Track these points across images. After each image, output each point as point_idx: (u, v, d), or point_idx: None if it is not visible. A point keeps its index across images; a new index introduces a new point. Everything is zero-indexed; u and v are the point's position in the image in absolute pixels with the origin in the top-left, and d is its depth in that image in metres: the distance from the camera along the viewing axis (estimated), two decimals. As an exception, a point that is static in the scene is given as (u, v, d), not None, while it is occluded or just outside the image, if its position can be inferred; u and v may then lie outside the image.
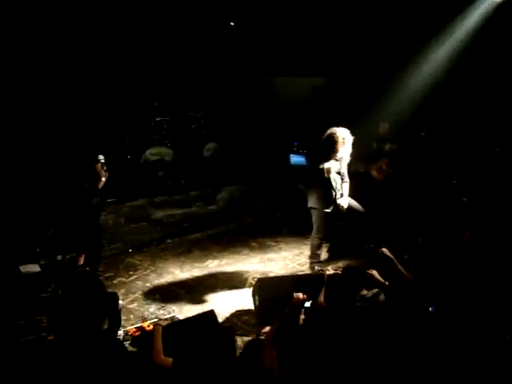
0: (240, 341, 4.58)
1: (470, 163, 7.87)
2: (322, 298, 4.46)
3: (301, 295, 3.99)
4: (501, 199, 7.04)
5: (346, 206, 6.66)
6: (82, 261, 6.81)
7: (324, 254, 7.61)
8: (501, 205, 6.91)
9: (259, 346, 3.39)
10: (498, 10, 7.33)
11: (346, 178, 6.70)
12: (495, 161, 7.62)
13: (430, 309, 3.72)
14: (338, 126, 6.49)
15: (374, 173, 8.58)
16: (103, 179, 6.59)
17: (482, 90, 8.04)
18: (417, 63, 8.99)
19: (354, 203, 6.78)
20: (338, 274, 4.77)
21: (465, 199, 7.54)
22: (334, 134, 6.32)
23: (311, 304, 3.90)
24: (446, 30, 8.30)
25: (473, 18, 7.81)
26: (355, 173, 8.08)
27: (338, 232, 7.93)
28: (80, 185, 6.47)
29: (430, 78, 8.79)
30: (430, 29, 8.46)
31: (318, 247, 6.81)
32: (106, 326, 3.52)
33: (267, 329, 4.67)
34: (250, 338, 4.71)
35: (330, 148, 6.34)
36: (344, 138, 6.32)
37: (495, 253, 5.39)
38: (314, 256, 6.83)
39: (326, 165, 6.33)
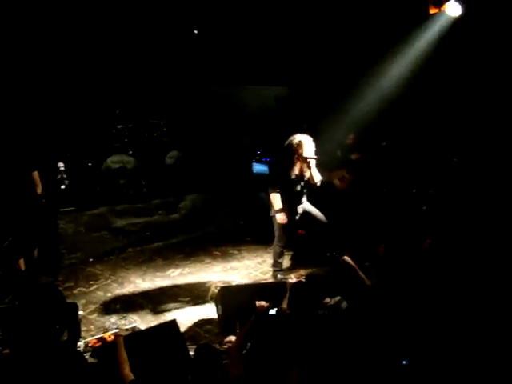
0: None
1: (429, 172, 8.03)
2: (285, 306, 4.46)
3: (264, 303, 3.99)
4: (459, 207, 7.21)
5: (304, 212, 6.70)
6: (22, 266, 6.65)
7: (287, 262, 7.64)
8: (459, 212, 7.07)
9: (211, 351, 3.35)
10: (453, 26, 7.54)
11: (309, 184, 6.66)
12: (453, 170, 7.79)
13: (404, 362, 3.70)
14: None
15: (337, 182, 8.67)
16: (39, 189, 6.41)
17: (440, 101, 8.23)
18: (377, 74, 9.14)
19: (316, 211, 6.82)
20: (300, 281, 4.79)
21: (424, 207, 7.69)
22: (292, 140, 6.37)
23: (276, 311, 3.91)
24: (404, 43, 8.47)
25: (430, 33, 8.00)
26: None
27: (300, 240, 7.98)
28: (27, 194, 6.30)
29: (390, 89, 8.95)
30: (389, 41, 8.63)
31: (280, 255, 6.83)
32: (65, 338, 3.45)
33: (230, 338, 4.66)
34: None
35: (290, 154, 6.37)
36: (302, 141, 6.33)
37: (455, 259, 5.51)
38: (276, 264, 6.84)
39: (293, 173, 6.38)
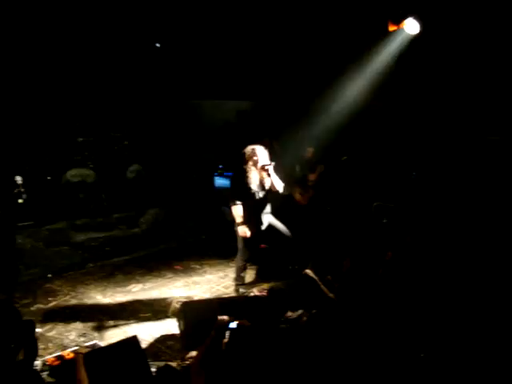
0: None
1: (389, 186, 8.17)
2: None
3: (226, 317, 3.98)
4: (419, 219, 7.36)
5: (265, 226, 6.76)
6: None
7: (249, 277, 7.64)
8: (419, 224, 7.22)
9: (171, 372, 3.33)
10: (411, 43, 7.74)
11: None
12: (412, 184, 7.96)
13: None
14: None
15: (297, 196, 8.74)
16: None
17: (400, 116, 8.41)
18: (338, 90, 9.29)
19: (280, 225, 6.86)
20: (262, 295, 4.80)
21: (385, 220, 7.82)
22: (245, 150, 6.48)
23: (237, 325, 3.89)
24: (365, 59, 8.64)
25: (389, 49, 8.20)
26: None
27: (262, 254, 8.01)
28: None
29: (350, 104, 9.10)
30: (349, 57, 8.79)
31: (242, 270, 6.84)
32: (21, 357, 3.36)
33: (192, 354, 4.62)
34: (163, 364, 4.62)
35: (244, 164, 6.45)
36: (255, 149, 6.41)
37: (416, 270, 5.62)
38: (238, 278, 6.84)
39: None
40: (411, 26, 7.22)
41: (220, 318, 3.93)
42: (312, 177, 8.73)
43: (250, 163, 6.41)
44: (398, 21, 7.16)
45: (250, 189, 6.48)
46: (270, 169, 6.37)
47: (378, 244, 7.36)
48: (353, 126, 9.07)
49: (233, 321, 3.87)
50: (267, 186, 6.56)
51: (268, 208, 6.78)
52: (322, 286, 5.05)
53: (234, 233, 6.66)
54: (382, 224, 7.89)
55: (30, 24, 8.46)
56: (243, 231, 6.42)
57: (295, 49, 9.40)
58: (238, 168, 6.57)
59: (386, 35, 7.91)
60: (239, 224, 6.43)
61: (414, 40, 7.60)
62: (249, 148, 6.47)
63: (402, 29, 7.31)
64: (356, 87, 8.99)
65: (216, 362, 3.56)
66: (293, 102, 10.26)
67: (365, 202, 8.21)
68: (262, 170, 6.41)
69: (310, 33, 8.95)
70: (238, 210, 6.44)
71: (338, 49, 8.76)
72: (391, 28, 7.27)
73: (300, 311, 4.60)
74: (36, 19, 8.42)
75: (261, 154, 6.41)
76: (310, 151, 9.21)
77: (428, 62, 7.83)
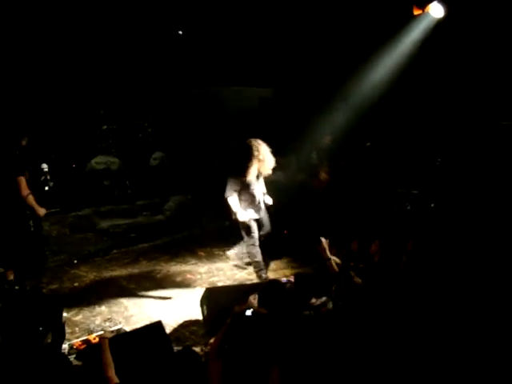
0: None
1: (414, 172, 8.09)
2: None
3: (242, 306, 3.98)
4: (443, 207, 7.28)
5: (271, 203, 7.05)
6: (11, 276, 6.57)
7: (275, 262, 7.69)
8: (444, 212, 7.15)
9: (191, 354, 3.36)
10: (436, 27, 7.61)
11: (264, 189, 7.10)
12: (437, 170, 7.87)
13: None
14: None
15: (315, 182, 8.82)
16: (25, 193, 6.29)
17: (424, 101, 8.30)
18: (362, 75, 9.19)
19: (265, 218, 7.12)
20: (288, 281, 4.78)
21: (409, 207, 7.75)
22: (250, 143, 6.67)
23: (252, 312, 3.91)
24: (389, 44, 8.53)
25: (414, 34, 8.07)
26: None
27: (286, 240, 8.06)
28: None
29: (374, 90, 9.01)
30: (373, 42, 8.68)
31: (257, 254, 6.91)
32: (49, 340, 3.42)
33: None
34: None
35: (248, 157, 6.62)
36: (259, 144, 6.66)
37: (439, 259, 5.57)
38: (256, 264, 6.90)
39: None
40: (436, 10, 7.10)
41: (236, 306, 3.94)
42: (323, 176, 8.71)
43: (254, 157, 6.60)
44: (423, 4, 7.05)
45: (246, 181, 6.70)
46: (270, 164, 6.76)
47: (402, 231, 7.31)
48: (377, 111, 8.97)
49: (249, 308, 3.89)
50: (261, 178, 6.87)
51: (262, 199, 6.98)
52: (348, 273, 5.01)
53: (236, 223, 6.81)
54: (406, 211, 7.83)
55: (58, 17, 8.52)
56: (243, 215, 6.69)
57: (318, 34, 9.31)
58: (241, 159, 6.72)
59: (410, 19, 7.80)
60: (237, 212, 6.68)
61: (440, 24, 7.48)
62: (254, 142, 6.66)
63: (427, 13, 7.20)
64: (380, 72, 8.88)
65: (232, 349, 3.59)
66: (316, 88, 10.17)
67: (389, 189, 8.14)
68: (263, 164, 6.71)
69: (333, 18, 8.86)
70: (234, 201, 6.70)
71: (362, 34, 8.65)
72: (416, 12, 7.17)
73: (324, 298, 4.58)
74: (62, 10, 8.48)
75: (264, 149, 6.69)
76: (327, 138, 9.18)
77: (453, 46, 7.70)
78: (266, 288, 4.32)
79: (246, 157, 6.63)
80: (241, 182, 6.70)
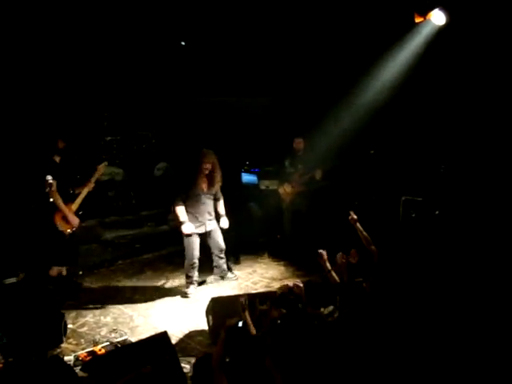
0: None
1: (418, 180, 8.08)
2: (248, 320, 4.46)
3: (234, 319, 3.97)
4: (448, 214, 7.27)
5: (226, 227, 7.04)
6: (55, 272, 6.68)
7: (276, 272, 7.68)
8: (448, 219, 7.13)
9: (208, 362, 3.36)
10: (438, 34, 7.61)
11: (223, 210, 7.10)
12: (442, 177, 7.85)
13: None
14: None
15: (282, 190, 8.83)
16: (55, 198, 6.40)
17: (427, 108, 8.30)
18: (363, 84, 9.20)
19: (217, 235, 7.08)
20: (295, 290, 4.75)
21: (413, 214, 7.74)
22: (199, 155, 6.72)
23: (243, 323, 3.91)
24: (390, 52, 8.54)
25: (416, 42, 8.08)
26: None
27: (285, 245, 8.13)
28: (27, 206, 6.29)
29: (377, 97, 9.01)
30: (374, 51, 8.69)
31: (191, 270, 6.92)
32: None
33: None
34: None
35: (196, 168, 6.68)
36: (208, 155, 6.71)
37: (443, 266, 5.56)
38: (188, 277, 6.94)
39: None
40: (438, 17, 7.11)
41: (227, 319, 3.94)
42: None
43: (202, 169, 6.62)
44: (424, 11, 7.05)
45: (195, 193, 6.69)
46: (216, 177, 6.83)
47: (407, 238, 7.30)
48: (380, 118, 8.96)
49: (238, 320, 3.89)
50: (213, 192, 6.88)
51: (212, 215, 6.95)
52: (354, 282, 5.00)
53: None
54: (411, 218, 7.81)
55: (64, 30, 8.57)
56: (187, 228, 6.60)
57: (319, 43, 9.32)
58: (190, 169, 6.76)
59: (411, 27, 7.80)
60: (182, 223, 6.61)
61: (441, 31, 7.48)
62: (206, 153, 6.72)
63: (429, 20, 7.21)
64: (382, 80, 8.89)
65: (233, 361, 3.58)
66: (318, 97, 10.18)
67: (393, 196, 8.13)
68: (208, 177, 6.73)
69: (334, 26, 8.88)
70: (181, 211, 6.64)
71: (363, 43, 8.66)
72: (417, 19, 7.17)
73: (331, 307, 4.56)
74: (65, 18, 8.52)
75: (214, 164, 6.78)
76: (298, 141, 8.77)
77: (456, 53, 7.70)
78: (279, 298, 4.32)
79: (195, 168, 6.65)
80: (189, 192, 6.68)
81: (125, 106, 10.50)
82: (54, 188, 6.27)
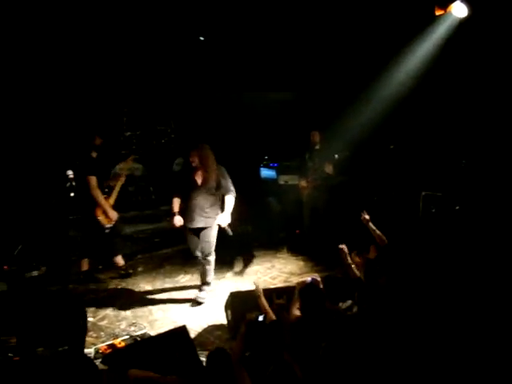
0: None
1: (438, 175, 8.01)
2: (294, 310, 4.45)
3: (254, 313, 3.98)
4: (469, 210, 7.20)
5: (223, 225, 6.46)
6: (85, 266, 6.92)
7: (295, 267, 7.67)
8: (469, 214, 7.06)
9: (222, 355, 3.36)
10: (459, 27, 7.50)
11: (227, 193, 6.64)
12: (462, 172, 7.77)
13: None
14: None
15: (302, 184, 8.74)
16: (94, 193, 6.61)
17: (448, 102, 8.21)
18: (384, 77, 9.13)
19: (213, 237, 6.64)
20: (315, 283, 4.74)
21: (433, 210, 7.67)
22: (195, 149, 6.40)
23: (263, 317, 3.91)
24: (411, 45, 8.45)
25: (436, 35, 7.98)
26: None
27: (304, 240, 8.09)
28: (48, 201, 6.38)
29: (397, 92, 8.93)
30: (395, 44, 8.61)
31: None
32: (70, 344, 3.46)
33: None
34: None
35: (188, 163, 6.41)
36: (203, 153, 6.36)
37: (464, 261, 5.51)
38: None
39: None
40: (459, 9, 7.00)
41: (248, 314, 3.94)
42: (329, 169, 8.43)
43: (190, 160, 6.34)
44: (445, 4, 6.96)
45: (188, 187, 6.41)
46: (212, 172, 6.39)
47: (427, 234, 7.24)
48: (400, 113, 8.88)
49: (259, 314, 3.90)
50: (211, 187, 6.42)
51: (208, 211, 6.45)
52: (372, 277, 4.99)
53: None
54: (431, 214, 7.74)
55: (83, 29, 8.64)
56: (177, 219, 6.35)
57: (340, 37, 9.26)
58: (186, 162, 6.56)
59: (432, 20, 7.71)
60: (174, 214, 6.36)
61: (462, 24, 7.37)
62: (201, 147, 6.41)
63: (450, 13, 7.11)
64: (403, 74, 8.80)
65: (253, 355, 3.59)
66: (337, 91, 10.13)
67: (413, 191, 8.07)
68: (206, 172, 6.33)
69: (354, 21, 8.81)
70: (174, 202, 6.40)
71: (384, 36, 8.58)
72: (438, 12, 7.07)
73: (349, 302, 4.56)
74: (89, 23, 8.59)
75: (210, 159, 6.40)
76: (314, 134, 8.65)
77: (477, 46, 7.60)
78: (304, 291, 4.31)
79: (188, 162, 6.41)
80: (180, 185, 6.45)
81: (144, 101, 10.54)
82: (94, 184, 6.48)
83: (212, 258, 6.50)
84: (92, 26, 8.72)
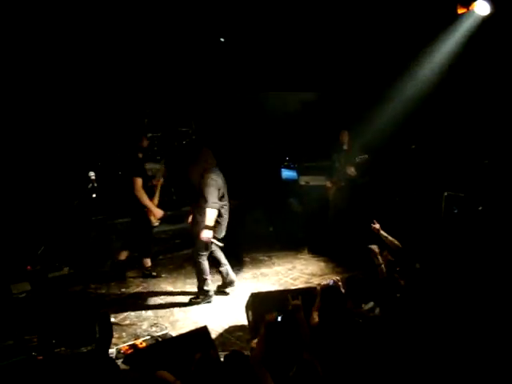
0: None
1: (461, 175, 7.91)
2: (315, 315, 4.43)
3: (274, 313, 3.95)
4: (492, 210, 7.09)
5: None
6: (123, 256, 7.11)
7: (316, 268, 7.64)
8: (492, 215, 6.96)
9: (239, 357, 3.36)
10: (482, 25, 7.41)
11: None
12: (485, 172, 7.66)
13: None
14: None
15: (328, 184, 8.67)
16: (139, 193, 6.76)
17: (470, 102, 8.11)
18: (405, 77, 9.04)
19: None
20: (335, 285, 4.72)
21: (456, 210, 7.58)
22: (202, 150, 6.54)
23: (282, 317, 3.89)
24: (433, 44, 8.37)
25: (458, 33, 7.88)
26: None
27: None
28: (70, 202, 6.44)
29: (419, 91, 8.84)
30: (417, 43, 8.53)
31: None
32: (96, 344, 3.48)
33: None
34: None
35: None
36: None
37: (491, 260, 5.44)
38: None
39: None
40: (482, 7, 6.91)
41: (266, 315, 3.92)
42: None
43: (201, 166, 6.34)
44: (468, 2, 6.87)
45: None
46: None
47: (449, 235, 7.16)
48: (421, 113, 8.79)
49: (278, 315, 3.87)
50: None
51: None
52: (394, 277, 4.95)
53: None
54: (453, 214, 7.65)
55: (104, 32, 8.74)
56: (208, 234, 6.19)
57: (362, 37, 9.21)
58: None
59: (454, 19, 7.62)
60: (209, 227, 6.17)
61: (485, 22, 7.27)
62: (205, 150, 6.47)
63: (472, 11, 7.02)
64: (425, 73, 8.71)
65: (274, 355, 3.58)
66: (359, 91, 10.06)
67: (435, 192, 7.97)
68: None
69: (376, 21, 8.76)
70: (214, 213, 6.26)
71: (406, 35, 8.50)
72: (460, 10, 6.99)
73: (371, 303, 4.52)
74: (111, 26, 8.69)
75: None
76: (343, 134, 8.57)
77: (500, 44, 7.49)
78: (325, 293, 4.29)
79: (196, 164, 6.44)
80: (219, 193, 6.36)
81: (165, 102, 10.59)
82: (139, 185, 6.72)
83: (197, 262, 6.39)
84: (115, 29, 8.81)
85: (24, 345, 4.60)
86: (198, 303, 6.38)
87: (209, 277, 6.45)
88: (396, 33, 8.61)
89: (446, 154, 8.33)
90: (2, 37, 7.78)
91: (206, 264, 6.40)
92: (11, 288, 6.05)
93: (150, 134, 10.38)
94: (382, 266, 5.05)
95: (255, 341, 4.19)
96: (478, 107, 8.00)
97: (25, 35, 7.99)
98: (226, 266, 6.66)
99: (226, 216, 6.52)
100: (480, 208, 7.26)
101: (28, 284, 6.12)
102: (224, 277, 6.69)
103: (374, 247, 5.18)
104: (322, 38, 9.65)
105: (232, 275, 6.72)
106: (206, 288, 6.42)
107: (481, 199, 7.32)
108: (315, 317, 4.37)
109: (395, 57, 8.94)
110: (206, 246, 6.33)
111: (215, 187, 6.22)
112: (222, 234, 6.51)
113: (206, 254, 6.38)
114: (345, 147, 8.51)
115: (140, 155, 6.94)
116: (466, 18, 7.50)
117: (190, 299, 6.45)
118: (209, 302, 6.42)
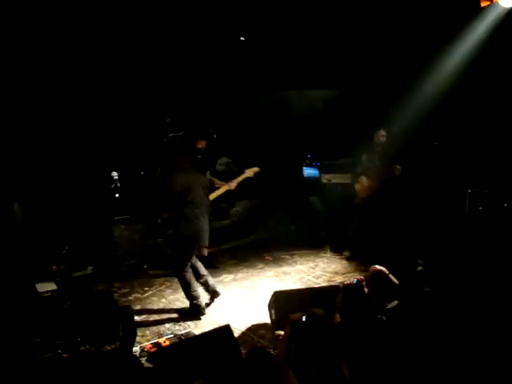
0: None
1: (485, 171, 7.80)
2: (337, 314, 4.41)
3: (299, 313, 3.94)
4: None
5: None
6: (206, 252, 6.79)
7: (340, 267, 7.61)
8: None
9: (262, 354, 3.36)
10: (506, 18, 7.28)
11: None
12: (510, 168, 7.55)
13: None
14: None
15: (357, 186, 8.16)
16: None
17: (495, 96, 7.99)
18: (428, 73, 8.94)
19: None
20: (359, 284, 4.68)
21: (480, 207, 7.48)
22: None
23: (307, 317, 3.87)
24: (456, 39, 8.26)
25: (482, 27, 7.76)
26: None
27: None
28: (94, 202, 6.52)
29: (441, 88, 8.74)
30: (440, 38, 8.43)
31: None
32: (120, 343, 3.51)
33: (280, 332, 4.60)
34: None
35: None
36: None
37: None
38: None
39: None
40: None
41: (291, 314, 3.91)
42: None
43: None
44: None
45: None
46: None
47: (473, 232, 7.08)
48: (445, 109, 8.68)
49: (303, 315, 3.86)
50: None
51: None
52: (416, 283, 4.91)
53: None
54: (477, 211, 7.55)
55: (126, 31, 8.81)
56: None
57: (384, 33, 9.13)
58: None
59: (477, 12, 7.50)
60: None
61: (510, 15, 7.15)
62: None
63: (496, 3, 6.90)
64: (448, 68, 8.60)
65: (299, 355, 3.58)
66: (381, 88, 9.98)
67: (458, 189, 7.88)
68: None
69: (398, 16, 8.68)
70: None
71: (428, 30, 8.41)
72: (483, 3, 6.88)
73: (396, 302, 4.48)
74: (130, 25, 8.75)
75: None
76: (381, 134, 8.03)
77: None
78: (346, 291, 4.28)
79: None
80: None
81: (187, 102, 10.63)
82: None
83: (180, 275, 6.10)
84: (135, 32, 8.88)
85: (50, 343, 4.66)
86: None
87: (197, 288, 6.14)
88: (418, 27, 8.52)
89: (470, 150, 8.22)
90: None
91: (190, 275, 6.07)
92: (37, 287, 6.15)
93: (171, 134, 10.44)
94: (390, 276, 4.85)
95: (280, 332, 4.20)
96: (500, 103, 7.88)
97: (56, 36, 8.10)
98: (206, 277, 6.30)
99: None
100: (505, 205, 7.15)
101: (53, 283, 6.21)
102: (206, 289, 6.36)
103: (379, 267, 4.71)
104: (343, 33, 9.59)
105: (214, 285, 6.38)
106: (195, 302, 6.02)
107: (506, 196, 7.21)
108: (337, 316, 4.36)
109: (417, 52, 8.86)
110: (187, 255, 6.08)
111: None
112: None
113: (188, 264, 6.09)
114: (379, 148, 8.04)
115: (199, 156, 6.93)
116: (490, 10, 7.37)
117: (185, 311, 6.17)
118: (202, 314, 6.02)
